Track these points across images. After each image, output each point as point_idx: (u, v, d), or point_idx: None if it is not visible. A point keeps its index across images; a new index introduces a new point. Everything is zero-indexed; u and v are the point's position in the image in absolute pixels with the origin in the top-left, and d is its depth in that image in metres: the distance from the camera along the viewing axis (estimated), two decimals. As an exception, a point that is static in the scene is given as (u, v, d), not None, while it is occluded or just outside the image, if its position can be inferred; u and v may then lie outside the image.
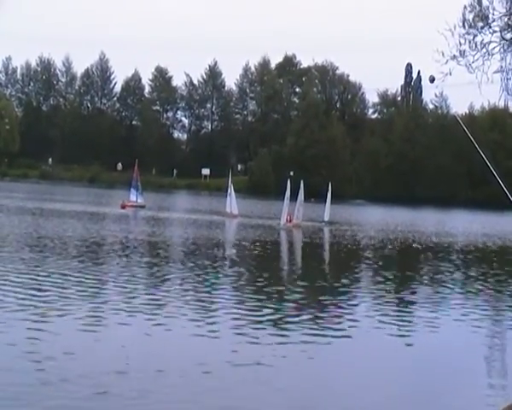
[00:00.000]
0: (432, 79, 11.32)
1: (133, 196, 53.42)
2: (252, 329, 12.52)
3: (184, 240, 29.04)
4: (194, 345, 11.30)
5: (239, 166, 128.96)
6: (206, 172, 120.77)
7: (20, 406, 8.23)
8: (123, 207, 49.25)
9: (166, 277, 18.11)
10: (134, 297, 14.74)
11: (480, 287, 19.95)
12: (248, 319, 13.34)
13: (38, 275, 16.94)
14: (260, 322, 13.24)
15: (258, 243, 29.90)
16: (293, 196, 41.74)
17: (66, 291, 14.98)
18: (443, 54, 12.19)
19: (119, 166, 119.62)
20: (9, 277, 16.44)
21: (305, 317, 14.00)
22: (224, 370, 10.06)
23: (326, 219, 45.49)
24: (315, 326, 13.21)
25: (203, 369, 9.91)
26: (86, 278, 16.83)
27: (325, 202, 46.33)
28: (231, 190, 47.82)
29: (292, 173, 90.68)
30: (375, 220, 57.15)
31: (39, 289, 15.00)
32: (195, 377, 9.58)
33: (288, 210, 40.81)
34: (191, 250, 25.19)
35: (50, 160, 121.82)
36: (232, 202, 47.69)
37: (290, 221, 41.05)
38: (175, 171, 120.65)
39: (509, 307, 17.19)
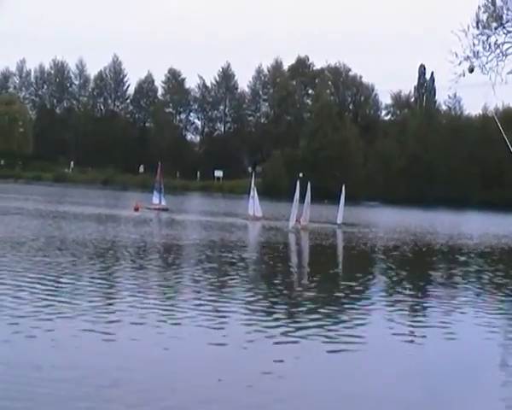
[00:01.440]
0: (471, 70, 11.37)
1: (156, 199, 53.43)
2: (268, 337, 12.35)
3: (210, 243, 28.86)
4: (210, 357, 11.04)
5: (249, 169, 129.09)
6: (219, 174, 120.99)
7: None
8: (136, 209, 49.23)
9: (192, 282, 18.12)
10: (161, 304, 14.68)
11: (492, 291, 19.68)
12: (265, 326, 13.20)
13: (74, 279, 16.97)
14: (275, 328, 13.11)
15: (281, 246, 30.14)
16: (303, 198, 41.62)
17: (87, 295, 15.08)
18: (456, 55, 12.10)
19: (141, 168, 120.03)
20: (48, 281, 16.47)
21: (319, 322, 13.88)
22: (238, 381, 9.81)
23: (339, 221, 45.15)
24: (328, 330, 13.14)
25: (219, 384, 9.61)
26: (113, 284, 16.90)
27: (338, 203, 46.15)
28: (255, 192, 47.51)
29: (301, 175, 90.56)
30: (391, 222, 56.84)
31: (77, 294, 15.07)
32: (212, 390, 9.29)
33: (298, 212, 40.57)
34: (217, 254, 25.11)
35: (72, 163, 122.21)
36: (256, 205, 47.34)
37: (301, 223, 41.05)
38: (198, 173, 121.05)
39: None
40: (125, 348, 11.18)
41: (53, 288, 15.61)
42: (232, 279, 18.89)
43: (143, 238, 29.12)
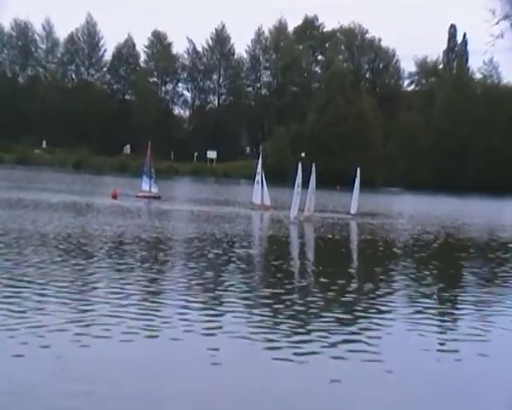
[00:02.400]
0: None
1: (146, 185, 53.44)
2: (270, 349, 12.42)
3: (210, 237, 28.85)
4: (203, 370, 11.15)
5: (248, 149, 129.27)
6: (212, 155, 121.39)
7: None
8: (114, 196, 49.00)
9: (189, 281, 18.16)
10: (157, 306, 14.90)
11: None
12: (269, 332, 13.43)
13: (52, 281, 16.86)
14: (281, 331, 13.41)
15: (280, 242, 30.01)
16: (308, 183, 41.28)
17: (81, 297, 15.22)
18: (494, 13, 12.03)
19: (127, 148, 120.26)
20: (22, 285, 16.14)
21: (328, 334, 13.74)
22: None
23: (353, 211, 44.85)
24: (340, 343, 13.14)
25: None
26: (97, 287, 16.83)
27: (352, 190, 46.07)
28: (262, 177, 47.19)
29: (303, 155, 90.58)
30: (416, 212, 56.76)
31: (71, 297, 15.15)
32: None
33: (301, 200, 40.25)
34: (215, 251, 24.97)
35: (45, 142, 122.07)
36: (264, 192, 46.94)
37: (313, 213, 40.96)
38: (196, 154, 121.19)
39: None
40: (116, 357, 11.50)
41: (30, 293, 15.59)
42: (228, 281, 18.78)
43: (132, 232, 29.06)
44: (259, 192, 47.34)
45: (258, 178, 47.66)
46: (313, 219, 40.68)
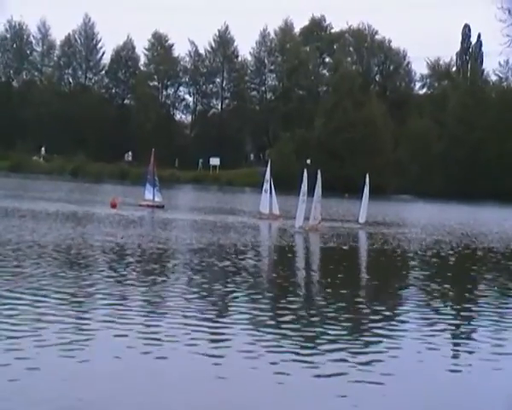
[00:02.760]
0: None
1: (149, 194, 53.67)
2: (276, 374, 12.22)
3: (217, 249, 28.88)
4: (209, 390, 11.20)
5: (252, 156, 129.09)
6: (215, 162, 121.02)
7: None
8: (113, 205, 49.13)
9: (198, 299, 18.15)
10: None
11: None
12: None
13: (59, 295, 16.94)
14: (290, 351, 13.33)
15: (285, 253, 30.16)
16: (314, 191, 41.30)
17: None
18: (509, 11, 11.95)
19: (129, 155, 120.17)
20: (27, 300, 16.26)
21: (343, 345, 13.97)
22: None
23: (362, 220, 44.90)
24: (354, 358, 13.21)
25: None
26: (104, 302, 16.83)
27: (361, 198, 46.10)
28: (271, 185, 47.08)
29: (309, 162, 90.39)
30: (429, 221, 56.58)
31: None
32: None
33: (307, 208, 40.26)
34: (221, 263, 25.03)
35: (43, 149, 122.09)
36: (273, 200, 46.90)
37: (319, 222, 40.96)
38: (200, 161, 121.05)
39: None
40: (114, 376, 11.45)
41: (30, 307, 15.53)
42: (235, 294, 18.81)
43: (135, 243, 29.22)
44: (267, 201, 47.32)
45: (266, 186, 47.53)
46: (319, 228, 40.72)
